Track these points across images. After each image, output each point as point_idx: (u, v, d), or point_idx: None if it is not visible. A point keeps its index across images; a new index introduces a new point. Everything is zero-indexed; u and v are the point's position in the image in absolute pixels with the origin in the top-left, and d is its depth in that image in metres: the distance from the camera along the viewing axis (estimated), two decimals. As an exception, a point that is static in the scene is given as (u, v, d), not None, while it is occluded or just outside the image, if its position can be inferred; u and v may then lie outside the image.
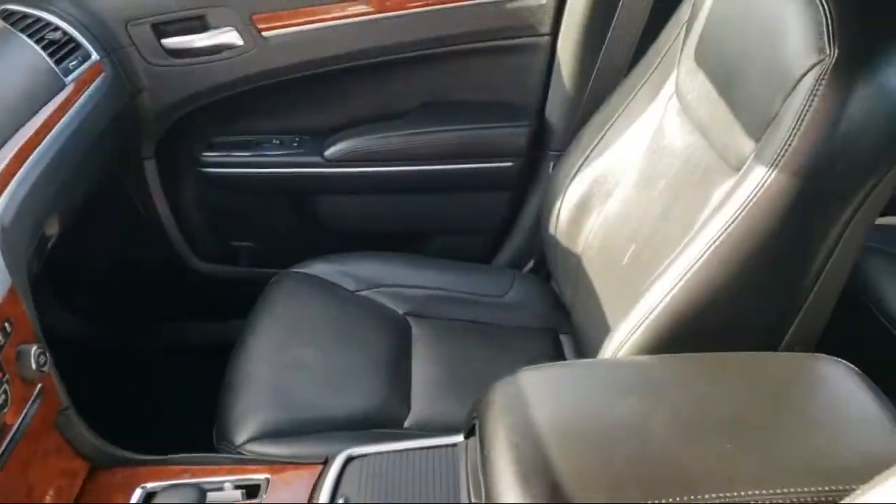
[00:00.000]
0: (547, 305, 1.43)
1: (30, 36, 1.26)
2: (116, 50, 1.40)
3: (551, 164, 1.49)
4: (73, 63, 1.29)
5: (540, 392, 0.85)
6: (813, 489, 0.70)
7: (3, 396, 0.80)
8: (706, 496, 0.71)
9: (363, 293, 1.40)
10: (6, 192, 0.98)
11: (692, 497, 0.71)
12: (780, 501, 0.70)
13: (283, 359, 1.21)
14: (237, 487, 0.93)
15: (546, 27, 1.45)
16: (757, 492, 0.71)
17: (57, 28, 1.32)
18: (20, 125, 1.10)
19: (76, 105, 1.25)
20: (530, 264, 1.61)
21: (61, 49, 1.29)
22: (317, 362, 1.21)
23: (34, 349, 0.87)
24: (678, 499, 0.71)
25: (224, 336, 1.36)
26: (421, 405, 1.18)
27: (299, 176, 1.55)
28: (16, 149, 1.06)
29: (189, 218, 1.60)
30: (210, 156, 1.53)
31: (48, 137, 1.14)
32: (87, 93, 1.29)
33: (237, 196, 1.60)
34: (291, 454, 1.02)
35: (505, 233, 1.61)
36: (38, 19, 1.31)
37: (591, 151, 1.31)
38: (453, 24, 1.45)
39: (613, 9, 1.35)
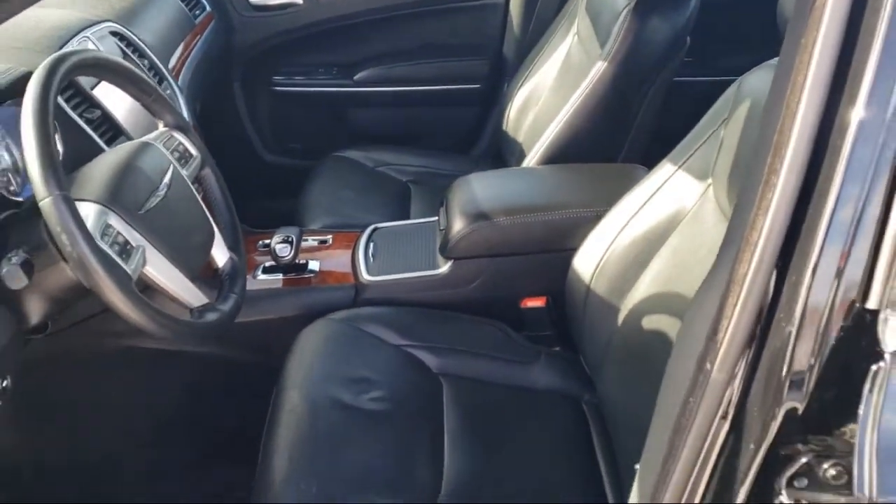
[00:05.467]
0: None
1: (172, -5, 1.98)
2: (220, 5, 2.14)
3: (506, 85, 2.21)
4: (197, 12, 2.03)
5: (479, 181, 1.59)
6: (600, 209, 1.42)
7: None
8: (555, 213, 1.45)
9: (379, 169, 2.13)
10: (181, 75, 1.72)
11: (547, 212, 1.45)
12: (584, 215, 1.43)
13: (332, 194, 1.95)
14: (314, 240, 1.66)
15: (502, -8, 2.20)
16: (573, 210, 1.45)
17: (186, -10, 2.05)
18: (178, 44, 1.83)
19: (200, 40, 1.98)
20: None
21: (190, 3, 2.02)
22: (353, 197, 1.95)
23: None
24: (541, 213, 1.45)
25: (280, 210, 2.04)
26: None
27: (336, 94, 2.29)
28: (178, 53, 1.80)
29: (261, 123, 2.34)
30: (278, 79, 2.28)
31: (191, 55, 1.88)
32: (205, 32, 2.03)
33: (294, 108, 2.33)
34: (342, 234, 1.75)
35: (476, 133, 2.34)
36: (174, -15, 2.04)
37: (528, 73, 2.04)
38: (442, -9, 2.19)
39: (543, -19, 2.10)
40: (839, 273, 0.60)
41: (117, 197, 0.97)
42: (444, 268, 1.50)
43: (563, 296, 1.43)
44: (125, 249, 0.95)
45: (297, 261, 1.53)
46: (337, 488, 1.07)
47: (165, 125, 1.19)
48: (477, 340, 1.43)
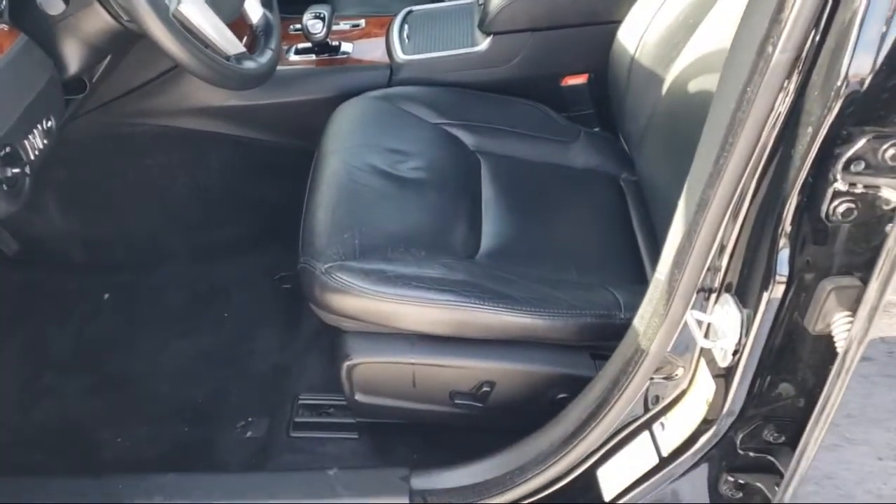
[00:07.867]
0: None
1: None
2: None
3: None
4: None
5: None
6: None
7: None
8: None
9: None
10: None
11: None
12: None
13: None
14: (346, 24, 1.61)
15: None
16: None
17: None
18: None
19: None
20: None
21: None
22: None
23: None
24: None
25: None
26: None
27: None
28: None
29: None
30: None
31: None
32: None
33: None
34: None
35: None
36: None
37: None
38: None
39: None
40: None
41: (145, -73, 0.93)
42: (484, 44, 1.45)
43: (605, 72, 1.39)
44: (158, -19, 0.92)
45: (329, 41, 1.49)
46: (379, 241, 1.09)
47: None
48: (515, 120, 1.41)
